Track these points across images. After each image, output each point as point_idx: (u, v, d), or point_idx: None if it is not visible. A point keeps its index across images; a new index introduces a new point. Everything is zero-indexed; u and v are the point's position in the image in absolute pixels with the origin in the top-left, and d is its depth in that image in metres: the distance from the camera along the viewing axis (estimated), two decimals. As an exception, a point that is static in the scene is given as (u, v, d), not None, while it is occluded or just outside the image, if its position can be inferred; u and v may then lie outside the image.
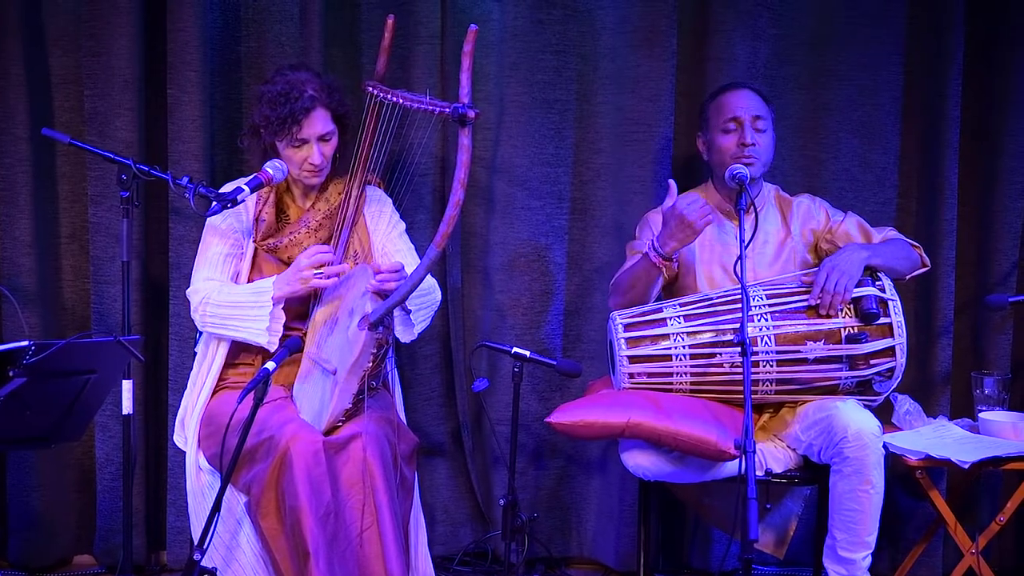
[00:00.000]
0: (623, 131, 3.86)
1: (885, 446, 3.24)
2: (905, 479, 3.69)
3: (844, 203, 3.72)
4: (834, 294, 3.20)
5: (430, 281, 3.36)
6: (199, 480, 3.30)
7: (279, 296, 3.25)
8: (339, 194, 3.41)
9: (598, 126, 3.87)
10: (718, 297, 3.31)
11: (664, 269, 3.33)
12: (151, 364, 3.76)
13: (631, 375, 3.25)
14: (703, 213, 3.24)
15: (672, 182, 3.32)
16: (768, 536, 3.58)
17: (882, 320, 3.22)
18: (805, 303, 3.25)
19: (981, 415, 3.53)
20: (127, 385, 3.26)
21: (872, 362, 3.23)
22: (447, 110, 3.07)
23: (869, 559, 3.20)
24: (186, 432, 3.37)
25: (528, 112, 3.84)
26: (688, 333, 3.25)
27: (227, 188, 3.31)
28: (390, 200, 3.51)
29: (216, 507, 2.92)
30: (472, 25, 3.03)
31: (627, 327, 3.27)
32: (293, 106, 3.24)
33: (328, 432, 3.12)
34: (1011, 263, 3.88)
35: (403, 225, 3.50)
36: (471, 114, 3.00)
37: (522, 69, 3.83)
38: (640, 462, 3.23)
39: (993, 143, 3.90)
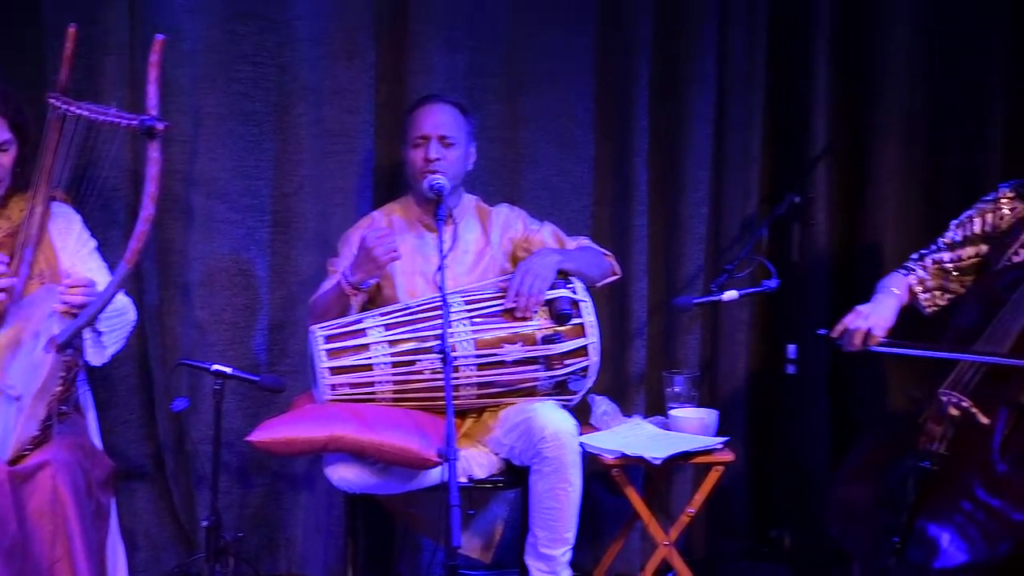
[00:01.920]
0: (324, 143, 3.85)
1: (582, 446, 3.35)
2: (604, 477, 3.82)
3: (543, 211, 3.83)
4: (528, 296, 3.29)
5: (123, 300, 3.23)
6: None
7: None
8: (21, 211, 3.24)
9: (299, 138, 3.84)
10: (418, 306, 3.34)
11: (353, 297, 3.34)
12: None
13: (333, 387, 3.24)
14: (388, 249, 3.27)
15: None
16: (475, 541, 3.63)
17: (575, 320, 3.33)
18: (502, 307, 3.33)
19: (672, 412, 3.69)
20: None
21: (567, 362, 3.33)
22: (134, 122, 2.97)
23: (569, 554, 3.30)
24: None
25: (226, 124, 3.78)
26: (389, 342, 3.27)
27: None
28: (79, 216, 3.35)
29: None
30: (158, 35, 2.95)
31: (327, 339, 3.25)
32: (-35, 114, 3.07)
33: (13, 461, 2.95)
34: (697, 266, 4.09)
35: (94, 243, 3.35)
36: (159, 126, 2.92)
37: (218, 80, 3.76)
38: (344, 475, 3.22)
39: (679, 154, 4.10)
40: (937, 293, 3.32)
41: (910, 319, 3.44)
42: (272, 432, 3.15)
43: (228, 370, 3.35)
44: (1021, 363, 2.87)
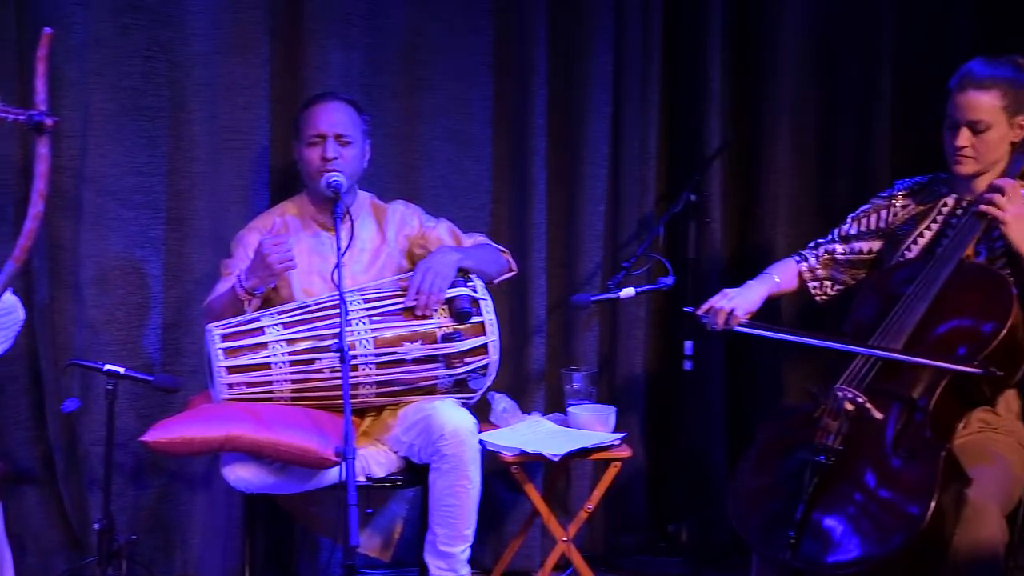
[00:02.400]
0: (219, 139, 3.80)
1: (481, 443, 3.36)
2: (504, 474, 3.83)
3: (440, 209, 3.82)
4: (428, 294, 3.29)
5: (11, 299, 3.15)
6: None
7: None
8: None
9: (193, 134, 3.78)
10: (316, 304, 3.32)
11: (247, 302, 3.31)
12: None
13: (230, 386, 3.20)
14: (283, 257, 3.24)
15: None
16: (374, 540, 3.61)
17: (475, 319, 3.33)
18: (402, 306, 3.32)
19: (570, 409, 3.71)
20: None
21: (466, 360, 3.34)
22: (22, 117, 2.88)
23: (468, 552, 3.30)
24: None
25: (117, 119, 3.70)
26: (287, 341, 3.24)
27: None
28: (-36, 214, 3.28)
29: None
30: (46, 28, 2.87)
31: (224, 338, 3.22)
32: None
33: None
34: (595, 264, 4.12)
35: (-20, 240, 3.29)
36: (48, 122, 2.84)
37: (108, 75, 3.68)
38: (242, 475, 3.18)
39: (577, 152, 4.13)
40: (827, 283, 3.38)
41: (810, 310, 3.51)
42: (167, 432, 3.10)
43: (121, 370, 3.28)
44: (878, 353, 2.94)
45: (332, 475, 3.20)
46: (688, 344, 3.89)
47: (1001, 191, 2.98)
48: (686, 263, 3.96)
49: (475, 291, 3.37)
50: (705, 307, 3.23)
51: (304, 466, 3.14)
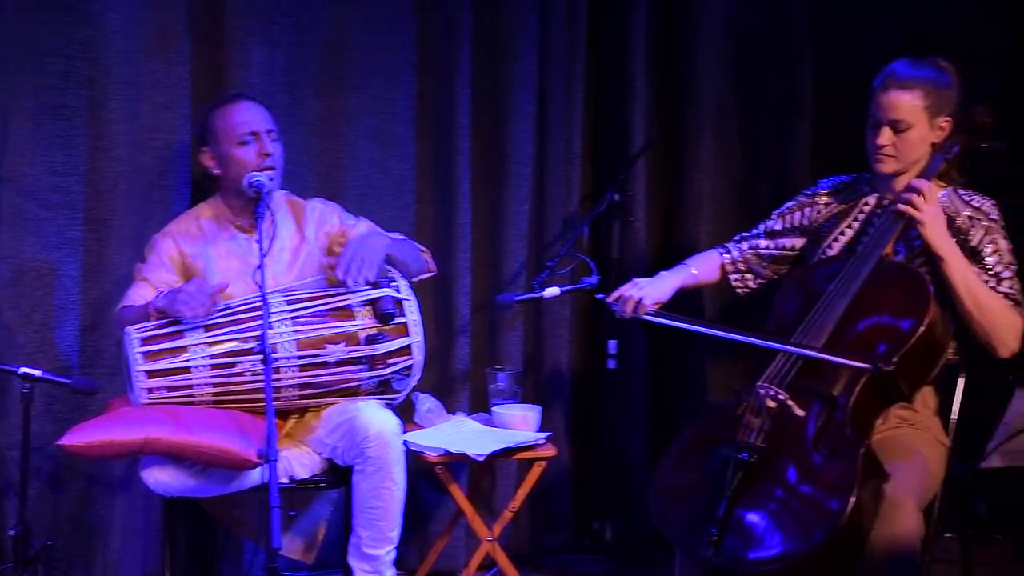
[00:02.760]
0: (139, 139, 3.74)
1: (406, 444, 3.35)
2: (429, 475, 3.82)
3: (364, 209, 3.80)
4: (359, 270, 3.26)
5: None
6: None
7: None
8: None
9: (113, 133, 3.71)
10: (238, 306, 3.29)
11: (153, 318, 3.27)
12: None
13: (149, 390, 3.17)
14: (197, 308, 3.19)
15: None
16: (297, 542, 3.59)
17: (398, 320, 3.32)
18: (325, 307, 3.30)
19: (495, 409, 3.72)
20: None
21: (390, 361, 3.32)
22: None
23: (393, 553, 3.29)
24: None
25: (34, 118, 3.62)
26: (208, 344, 3.20)
27: None
28: None
29: None
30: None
31: (143, 341, 3.17)
32: None
33: None
34: (520, 264, 4.13)
35: None
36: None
37: (26, 73, 3.60)
38: (161, 478, 3.15)
39: (502, 151, 4.13)
40: (748, 276, 3.43)
41: (733, 304, 3.55)
42: (84, 436, 3.06)
43: (37, 373, 3.23)
44: (775, 345, 3.00)
45: (254, 477, 3.18)
46: (612, 343, 3.91)
47: (918, 191, 3.03)
48: (610, 262, 3.99)
49: (399, 292, 3.36)
50: (615, 295, 3.27)
51: (226, 468, 3.11)
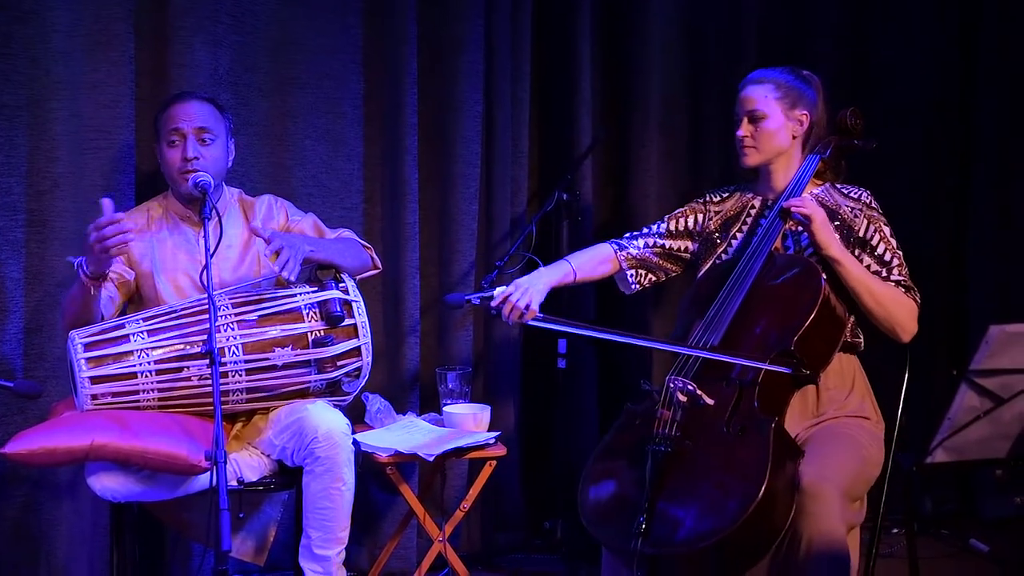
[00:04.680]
0: (81, 139, 3.69)
1: (356, 444, 3.34)
2: (380, 475, 3.81)
3: (313, 209, 3.78)
4: (288, 259, 3.19)
5: None
6: None
7: None
8: None
9: (54, 133, 3.65)
10: (183, 308, 3.25)
11: (93, 289, 3.20)
12: None
13: (94, 396, 3.12)
14: (103, 244, 3.07)
15: (106, 201, 3.17)
16: (248, 544, 3.57)
17: (347, 322, 3.30)
18: (271, 310, 3.27)
19: (445, 408, 3.71)
20: None
21: (339, 363, 3.31)
22: None
23: (343, 554, 3.28)
24: None
25: (-27, 119, 3.58)
26: (153, 348, 3.17)
27: None
28: None
29: None
30: None
31: (87, 346, 3.13)
32: None
33: None
34: (469, 263, 4.12)
35: None
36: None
37: (-36, 73, 3.56)
38: (108, 484, 3.11)
39: (449, 150, 4.12)
40: (643, 273, 3.50)
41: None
42: (28, 443, 3.00)
43: (-21, 377, 3.19)
44: (665, 346, 3.18)
45: (203, 481, 3.15)
46: (562, 342, 3.93)
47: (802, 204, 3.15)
48: (559, 261, 4.00)
49: (347, 293, 3.34)
50: (499, 299, 3.25)
51: (174, 472, 3.08)
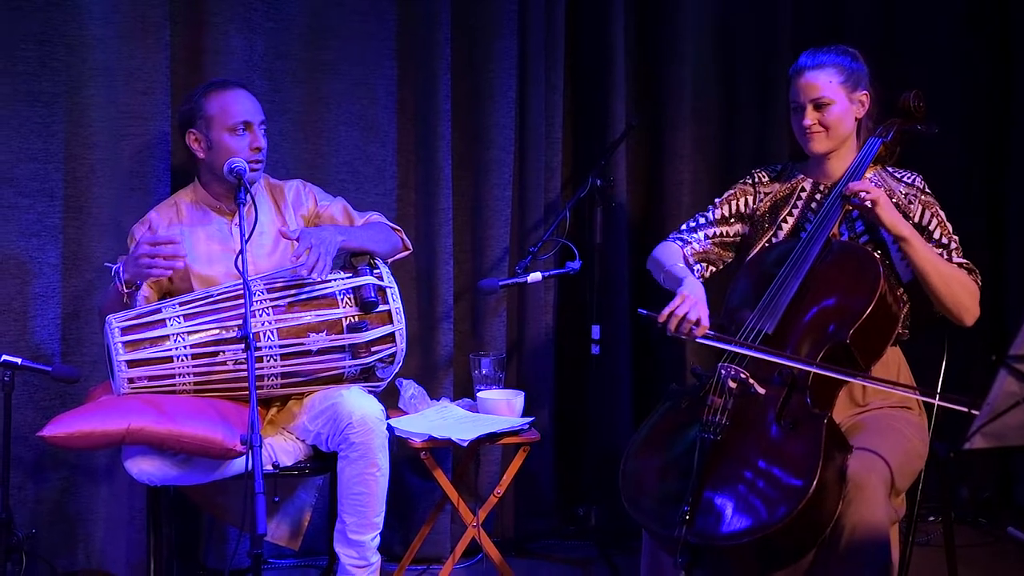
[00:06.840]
0: (118, 125, 3.71)
1: (390, 429, 3.35)
2: (414, 460, 3.82)
3: (347, 195, 3.77)
4: (317, 258, 3.21)
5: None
6: None
7: None
8: None
9: (91, 120, 3.68)
10: (219, 294, 3.27)
11: (127, 297, 3.23)
12: None
13: (131, 380, 3.15)
14: (153, 264, 3.14)
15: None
16: (283, 529, 3.59)
17: (381, 308, 3.31)
18: (306, 295, 3.28)
19: (479, 394, 3.71)
20: None
21: (373, 349, 3.31)
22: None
23: (378, 539, 3.29)
24: None
25: (10, 105, 3.59)
26: (189, 333, 3.18)
27: None
28: None
29: None
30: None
31: (124, 330, 3.15)
32: None
33: None
34: (503, 249, 4.12)
35: None
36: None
37: (2, 59, 3.58)
38: (144, 468, 3.13)
39: (483, 136, 4.12)
40: (706, 265, 3.41)
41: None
42: (66, 426, 3.03)
43: (18, 360, 3.21)
44: (836, 374, 2.97)
45: (238, 465, 3.16)
46: (595, 328, 3.92)
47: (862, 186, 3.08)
48: (593, 247, 3.99)
49: (381, 279, 3.35)
50: (665, 313, 3.03)
51: (209, 457, 3.10)
